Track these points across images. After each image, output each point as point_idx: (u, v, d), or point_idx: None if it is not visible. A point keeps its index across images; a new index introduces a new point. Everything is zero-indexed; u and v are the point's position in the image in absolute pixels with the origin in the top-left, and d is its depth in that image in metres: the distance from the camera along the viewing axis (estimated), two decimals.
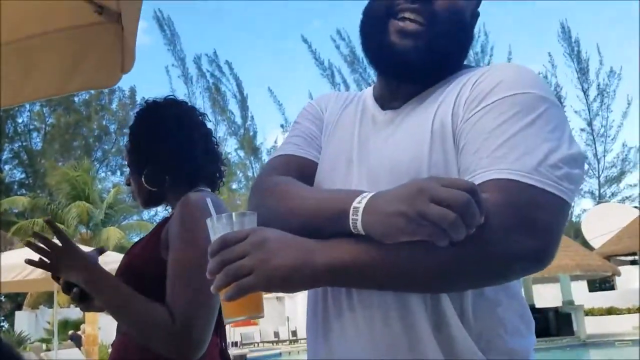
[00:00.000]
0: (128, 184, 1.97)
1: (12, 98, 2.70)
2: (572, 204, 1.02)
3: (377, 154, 1.17)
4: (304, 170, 1.26)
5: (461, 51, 1.23)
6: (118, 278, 1.73)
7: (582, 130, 40.43)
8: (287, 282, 0.97)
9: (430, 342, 1.04)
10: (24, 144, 41.18)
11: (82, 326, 19.08)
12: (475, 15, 1.26)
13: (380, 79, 1.29)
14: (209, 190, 1.90)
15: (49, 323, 23.42)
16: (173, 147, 1.82)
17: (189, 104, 2.00)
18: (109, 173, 43.47)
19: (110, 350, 1.89)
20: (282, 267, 0.96)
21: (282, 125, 43.86)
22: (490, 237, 0.91)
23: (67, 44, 2.56)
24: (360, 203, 0.96)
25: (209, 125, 1.98)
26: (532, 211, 0.94)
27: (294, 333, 25.58)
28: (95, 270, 1.68)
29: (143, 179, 1.85)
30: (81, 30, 2.54)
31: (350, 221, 0.97)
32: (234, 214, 1.02)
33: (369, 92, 1.34)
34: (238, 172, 42.35)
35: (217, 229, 1.02)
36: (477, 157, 1.02)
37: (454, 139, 1.09)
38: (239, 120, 44.95)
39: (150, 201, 1.94)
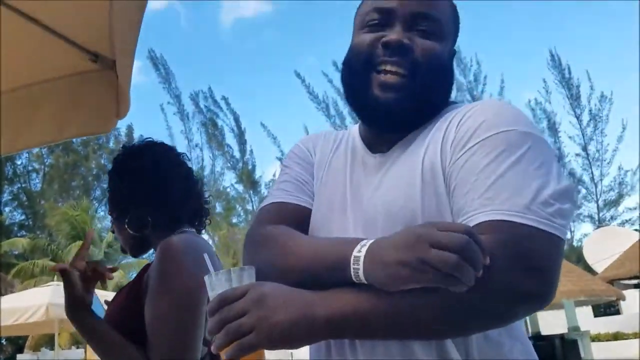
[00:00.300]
0: (113, 232, 1.97)
1: (10, 146, 2.71)
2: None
3: (370, 200, 1.17)
4: (296, 217, 1.24)
5: (445, 92, 1.23)
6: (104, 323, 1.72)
7: (578, 155, 40.38)
8: (289, 338, 0.95)
9: None
10: (23, 185, 41.09)
11: None
12: (453, 53, 1.27)
13: (365, 125, 1.29)
14: (194, 230, 1.89)
15: None
16: (151, 188, 1.82)
17: (168, 144, 2.00)
18: (107, 212, 43.26)
19: None
20: (282, 323, 0.94)
21: (279, 159, 43.78)
22: (489, 280, 0.90)
23: (63, 92, 2.60)
24: (360, 252, 0.96)
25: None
26: (528, 251, 0.94)
27: None
28: (80, 312, 1.68)
29: (126, 225, 1.85)
30: (77, 78, 2.58)
31: (352, 270, 0.96)
32: (232, 270, 1.00)
33: (356, 131, 1.34)
34: (237, 206, 42.15)
35: (215, 285, 0.99)
36: (468, 199, 1.02)
37: (444, 180, 1.09)
38: (237, 154, 44.95)
39: (136, 247, 1.92)
